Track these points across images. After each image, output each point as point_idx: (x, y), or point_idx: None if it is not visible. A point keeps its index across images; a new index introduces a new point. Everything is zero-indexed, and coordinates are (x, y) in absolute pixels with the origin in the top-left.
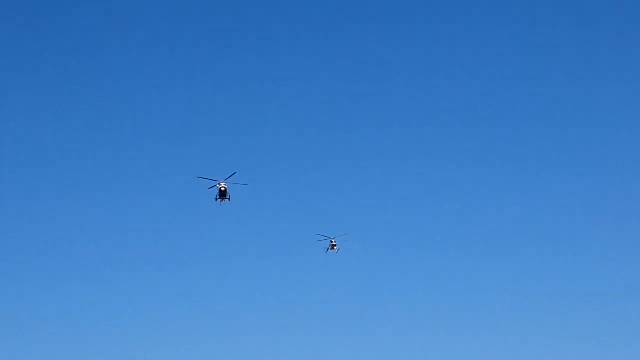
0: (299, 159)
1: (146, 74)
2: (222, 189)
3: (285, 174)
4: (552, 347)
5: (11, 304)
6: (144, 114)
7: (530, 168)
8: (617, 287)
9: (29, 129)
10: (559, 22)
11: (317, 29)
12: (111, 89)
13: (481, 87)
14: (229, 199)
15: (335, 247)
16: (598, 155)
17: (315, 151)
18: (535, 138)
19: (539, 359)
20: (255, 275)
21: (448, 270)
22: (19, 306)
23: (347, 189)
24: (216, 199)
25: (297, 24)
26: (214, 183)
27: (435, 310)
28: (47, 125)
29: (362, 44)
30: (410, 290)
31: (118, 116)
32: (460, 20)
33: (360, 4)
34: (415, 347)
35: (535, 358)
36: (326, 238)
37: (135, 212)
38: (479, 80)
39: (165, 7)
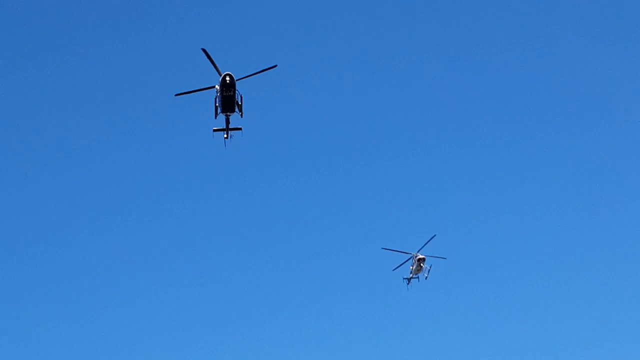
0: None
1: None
2: (227, 81)
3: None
4: None
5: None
6: None
7: None
8: None
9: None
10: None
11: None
12: None
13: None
14: (241, 113)
15: (421, 270)
16: None
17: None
18: None
19: None
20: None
21: None
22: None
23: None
24: (216, 115)
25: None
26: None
27: None
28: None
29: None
30: None
31: None
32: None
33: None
34: None
35: None
36: (404, 255)
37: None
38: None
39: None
